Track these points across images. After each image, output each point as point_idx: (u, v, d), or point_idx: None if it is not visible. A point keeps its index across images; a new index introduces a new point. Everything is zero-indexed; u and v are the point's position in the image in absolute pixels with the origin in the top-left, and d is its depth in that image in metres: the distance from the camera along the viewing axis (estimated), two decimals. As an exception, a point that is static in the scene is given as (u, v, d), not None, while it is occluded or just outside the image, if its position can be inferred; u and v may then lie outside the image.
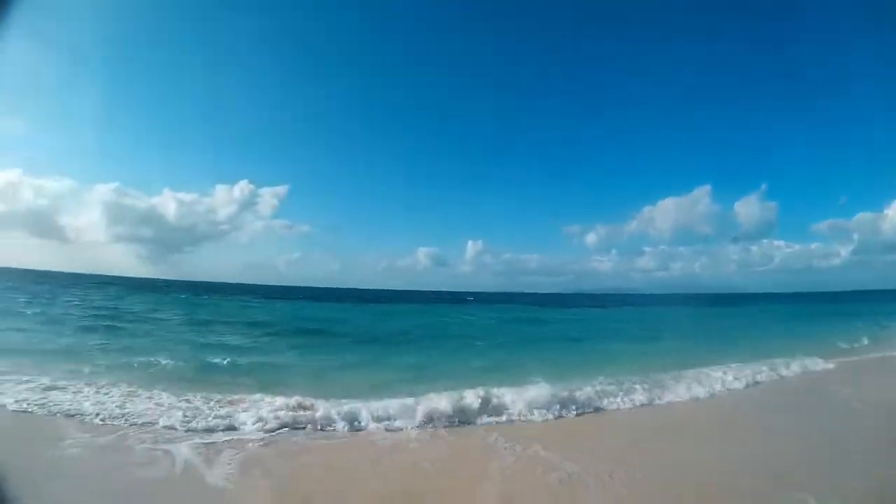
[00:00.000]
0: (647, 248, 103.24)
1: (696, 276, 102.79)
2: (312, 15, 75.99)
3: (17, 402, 8.71)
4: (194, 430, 7.74)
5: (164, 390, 9.84)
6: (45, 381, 10.08)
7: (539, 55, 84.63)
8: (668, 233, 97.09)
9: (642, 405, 10.50)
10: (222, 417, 8.27)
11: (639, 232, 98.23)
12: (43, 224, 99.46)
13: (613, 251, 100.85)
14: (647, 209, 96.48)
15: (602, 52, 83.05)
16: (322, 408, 8.60)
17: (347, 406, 8.71)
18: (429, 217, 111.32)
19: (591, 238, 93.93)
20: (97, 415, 8.24)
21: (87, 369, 11.58)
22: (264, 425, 7.90)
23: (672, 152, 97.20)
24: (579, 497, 5.82)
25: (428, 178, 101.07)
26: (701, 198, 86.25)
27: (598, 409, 10.00)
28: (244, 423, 7.98)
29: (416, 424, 8.32)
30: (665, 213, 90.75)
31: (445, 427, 8.38)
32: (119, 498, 5.47)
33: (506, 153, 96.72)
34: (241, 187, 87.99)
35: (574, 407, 9.73)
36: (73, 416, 8.16)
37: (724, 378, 12.51)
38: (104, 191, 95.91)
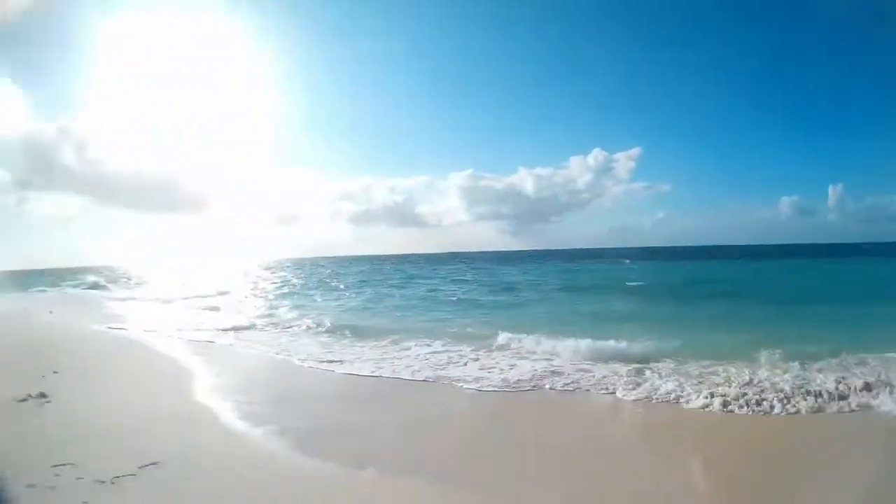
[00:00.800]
0: None
1: None
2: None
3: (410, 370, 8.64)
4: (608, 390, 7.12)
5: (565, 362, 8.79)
6: (438, 345, 10.26)
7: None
8: None
9: None
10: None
11: None
12: (402, 215, 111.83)
13: None
14: None
15: None
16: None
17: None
18: (788, 161, 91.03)
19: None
20: (485, 379, 7.81)
21: (470, 332, 11.44)
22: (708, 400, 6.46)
23: None
24: None
25: (782, 119, 78.51)
26: None
27: None
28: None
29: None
30: None
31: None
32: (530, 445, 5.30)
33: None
34: (595, 155, 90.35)
35: None
36: (459, 379, 7.86)
37: None
38: (459, 178, 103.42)
